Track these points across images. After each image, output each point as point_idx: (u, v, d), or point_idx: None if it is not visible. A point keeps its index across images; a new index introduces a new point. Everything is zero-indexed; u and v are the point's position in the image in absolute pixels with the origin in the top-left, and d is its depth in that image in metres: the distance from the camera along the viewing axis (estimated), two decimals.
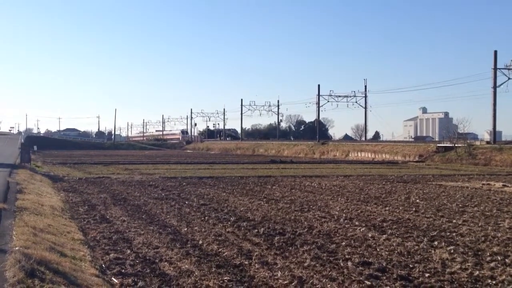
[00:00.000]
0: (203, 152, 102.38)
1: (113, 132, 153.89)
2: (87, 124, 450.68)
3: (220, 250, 10.10)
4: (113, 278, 8.07)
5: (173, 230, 12.36)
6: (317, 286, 7.61)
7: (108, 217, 14.56)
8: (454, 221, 13.78)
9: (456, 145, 54.41)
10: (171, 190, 22.12)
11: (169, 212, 15.43)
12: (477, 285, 7.71)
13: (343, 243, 10.72)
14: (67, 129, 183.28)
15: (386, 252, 9.85)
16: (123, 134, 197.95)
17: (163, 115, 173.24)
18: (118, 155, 71.96)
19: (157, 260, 9.27)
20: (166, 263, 9.08)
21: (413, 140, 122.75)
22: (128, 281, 7.92)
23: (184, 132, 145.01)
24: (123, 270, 8.54)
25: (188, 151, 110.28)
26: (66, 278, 7.04)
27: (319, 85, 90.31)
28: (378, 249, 10.14)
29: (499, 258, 9.37)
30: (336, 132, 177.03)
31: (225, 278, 8.09)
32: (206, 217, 14.34)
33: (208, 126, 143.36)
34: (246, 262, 9.07)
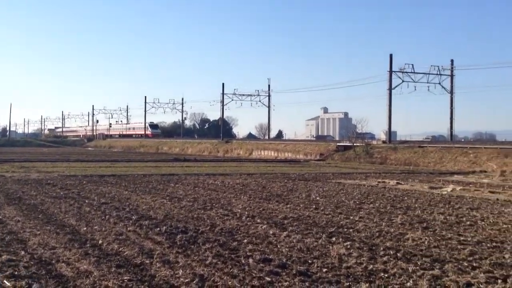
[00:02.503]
0: (105, 150, 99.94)
1: (8, 128, 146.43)
2: None
3: (120, 249, 9.91)
4: (5, 281, 7.70)
5: (72, 229, 11.98)
6: (218, 283, 7.66)
7: (0, 217, 13.87)
8: (351, 217, 14.31)
9: (354, 144, 56.51)
10: (70, 188, 21.41)
11: (68, 211, 14.93)
12: (371, 278, 8.05)
13: (245, 241, 10.85)
14: None
15: (287, 249, 10.07)
16: (19, 130, 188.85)
17: (62, 111, 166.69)
18: (14, 153, 68.66)
19: (53, 261, 8.94)
20: (63, 264, 8.78)
21: (314, 139, 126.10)
22: (21, 284, 7.58)
23: (154, 126, 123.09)
24: (16, 272, 8.17)
25: (90, 148, 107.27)
26: None
27: (223, 84, 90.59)
28: (278, 246, 10.35)
29: (391, 252, 9.83)
30: (240, 130, 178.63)
31: (125, 277, 7.95)
32: (107, 216, 14.01)
33: (111, 123, 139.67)
34: (147, 261, 8.96)
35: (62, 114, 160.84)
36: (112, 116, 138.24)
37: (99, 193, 19.72)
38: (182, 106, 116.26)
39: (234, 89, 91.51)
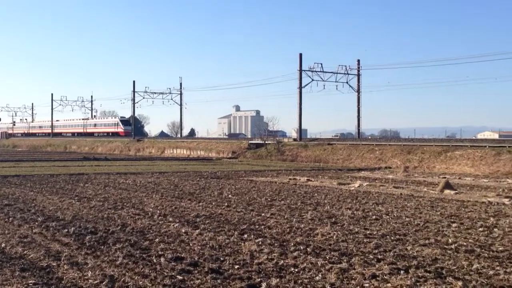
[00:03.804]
0: (9, 149, 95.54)
1: None
2: None
3: (25, 252, 9.52)
4: None
5: None
6: (129, 283, 7.54)
7: None
8: (263, 214, 14.49)
9: (266, 142, 57.22)
10: None
11: None
12: (282, 273, 8.20)
13: (157, 240, 10.74)
14: None
15: (199, 247, 10.06)
16: None
17: None
18: None
19: None
20: None
21: (227, 137, 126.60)
22: None
23: (126, 122, 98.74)
24: None
25: None
26: None
27: (134, 81, 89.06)
28: (191, 244, 10.32)
29: (301, 247, 10.06)
30: (152, 129, 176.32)
31: (30, 281, 7.65)
32: (11, 218, 13.42)
33: (14, 121, 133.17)
34: (54, 264, 8.67)
35: None
36: (16, 113, 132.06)
37: (1, 195, 18.85)
38: (92, 104, 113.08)
39: (146, 87, 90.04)
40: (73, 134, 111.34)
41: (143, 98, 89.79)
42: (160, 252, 9.53)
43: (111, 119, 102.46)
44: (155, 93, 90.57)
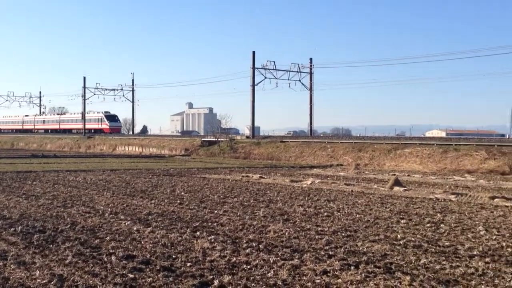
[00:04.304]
0: None
1: None
2: None
3: None
4: None
5: None
6: (78, 283, 7.41)
7: None
8: (215, 211, 14.48)
9: (219, 139, 57.14)
10: None
11: None
12: (234, 271, 8.22)
13: (108, 238, 10.59)
14: None
15: (151, 245, 9.97)
16: None
17: None
18: None
19: None
20: None
21: (180, 134, 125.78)
22: None
23: (112, 117, 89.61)
24: None
25: None
26: None
27: (84, 77, 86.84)
28: (142, 242, 10.22)
29: (254, 244, 10.10)
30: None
31: None
32: None
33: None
34: (1, 263, 8.44)
35: None
36: None
37: None
38: (40, 100, 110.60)
39: (96, 83, 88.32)
40: (46, 131, 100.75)
41: (94, 94, 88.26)
42: (111, 251, 9.40)
43: (94, 114, 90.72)
44: (106, 89, 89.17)
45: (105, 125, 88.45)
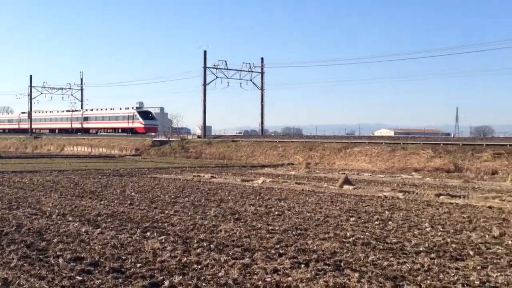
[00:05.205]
0: None
1: None
2: None
3: None
4: None
5: None
6: (24, 286, 7.22)
7: None
8: (166, 212, 14.37)
9: (170, 139, 56.74)
10: None
11: None
12: (185, 271, 8.18)
13: (55, 240, 10.36)
14: None
15: (100, 246, 9.82)
16: None
17: None
18: None
19: None
20: None
21: (130, 134, 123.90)
22: None
23: (146, 114, 74.04)
24: None
25: None
26: None
27: (31, 76, 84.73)
28: (91, 244, 10.05)
29: (205, 244, 10.07)
30: None
31: None
32: None
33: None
34: None
35: None
36: None
37: None
38: None
39: (44, 82, 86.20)
40: (51, 130, 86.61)
41: (41, 93, 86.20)
42: (58, 253, 9.21)
43: (124, 110, 75.72)
44: (54, 88, 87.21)
45: (139, 123, 72.97)
